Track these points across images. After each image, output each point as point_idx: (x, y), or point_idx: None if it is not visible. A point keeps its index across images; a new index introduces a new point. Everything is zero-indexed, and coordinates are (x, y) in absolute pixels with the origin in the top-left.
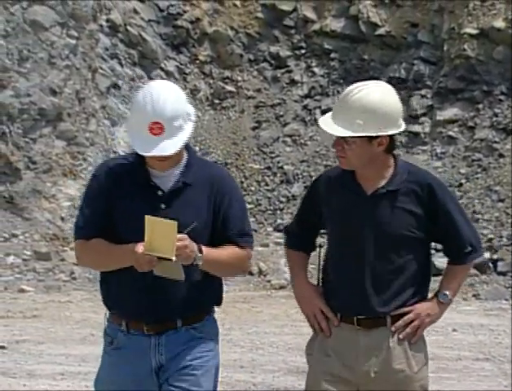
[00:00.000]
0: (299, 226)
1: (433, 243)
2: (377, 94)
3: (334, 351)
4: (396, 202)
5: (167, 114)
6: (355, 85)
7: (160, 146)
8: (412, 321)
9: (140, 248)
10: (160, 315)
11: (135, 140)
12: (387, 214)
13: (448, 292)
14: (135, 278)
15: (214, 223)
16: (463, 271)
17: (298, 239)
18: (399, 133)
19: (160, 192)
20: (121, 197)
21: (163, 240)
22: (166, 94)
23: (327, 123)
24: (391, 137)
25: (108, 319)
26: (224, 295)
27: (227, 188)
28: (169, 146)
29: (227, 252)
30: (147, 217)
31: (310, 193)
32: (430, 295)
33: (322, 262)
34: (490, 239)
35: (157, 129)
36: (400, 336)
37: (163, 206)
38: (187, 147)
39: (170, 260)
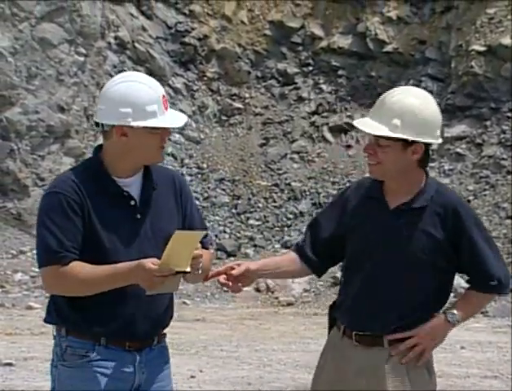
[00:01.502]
0: (313, 232)
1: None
2: (420, 98)
3: (333, 365)
4: (417, 222)
5: (162, 88)
6: (396, 87)
7: (176, 117)
8: (414, 345)
9: (151, 265)
10: (143, 332)
11: (156, 120)
12: (405, 233)
13: (458, 313)
14: (118, 295)
15: (182, 224)
16: (483, 299)
17: (308, 247)
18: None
19: (132, 202)
20: (95, 211)
21: (181, 253)
22: (145, 75)
23: (362, 122)
24: (426, 148)
25: (70, 334)
26: (232, 312)
27: (187, 188)
28: (180, 114)
29: (206, 255)
30: (178, 232)
31: (338, 197)
32: None
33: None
34: None
35: (166, 102)
36: (403, 361)
37: (138, 216)
38: None
39: (184, 272)
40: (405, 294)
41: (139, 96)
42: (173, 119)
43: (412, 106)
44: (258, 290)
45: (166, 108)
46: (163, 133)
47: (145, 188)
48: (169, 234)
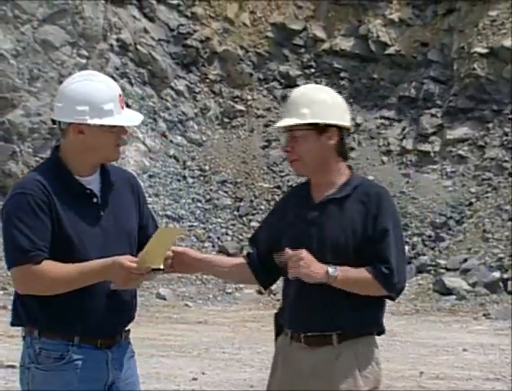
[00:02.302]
0: (254, 243)
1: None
2: (322, 88)
3: (284, 371)
4: (341, 211)
5: (119, 87)
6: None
7: (132, 116)
8: (297, 259)
9: (128, 262)
10: (113, 327)
11: (112, 118)
12: (331, 223)
13: (339, 271)
14: (87, 292)
15: (139, 221)
16: (367, 281)
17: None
18: (352, 132)
19: (95, 199)
20: (62, 210)
21: (158, 251)
22: (102, 74)
23: (276, 123)
24: (341, 134)
25: (43, 335)
26: (234, 314)
27: (142, 189)
28: (136, 113)
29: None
30: (162, 229)
31: (276, 205)
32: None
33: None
34: (500, 258)
35: (121, 101)
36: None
37: (102, 213)
38: None
39: (158, 270)
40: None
41: (96, 94)
42: (129, 118)
43: (317, 94)
44: (260, 292)
45: (123, 107)
46: (119, 131)
47: (104, 186)
48: (130, 230)
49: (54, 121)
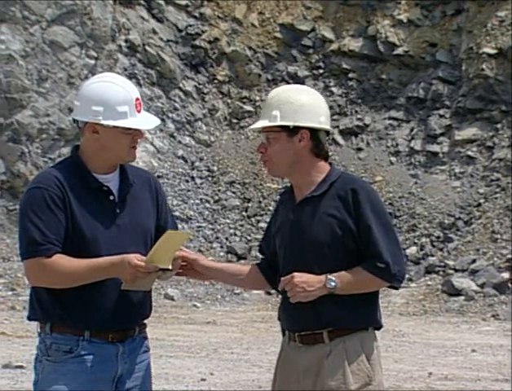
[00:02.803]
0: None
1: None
2: (296, 88)
3: (282, 370)
4: (318, 208)
5: (137, 91)
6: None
7: (147, 120)
8: (291, 284)
9: (137, 260)
10: (124, 322)
11: (126, 121)
12: (309, 221)
13: (336, 280)
14: (99, 288)
15: (156, 221)
16: (366, 279)
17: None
18: (331, 133)
19: (111, 197)
20: (77, 205)
21: (166, 251)
22: (122, 77)
23: (254, 125)
24: (315, 135)
25: (54, 331)
26: (242, 315)
27: (162, 190)
28: (153, 118)
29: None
30: (170, 231)
31: (271, 215)
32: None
33: None
34: (509, 259)
35: (139, 105)
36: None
37: (118, 210)
38: None
39: (166, 270)
40: None
41: (112, 96)
42: (143, 121)
43: (288, 96)
44: (268, 293)
45: (139, 111)
46: (135, 133)
47: (122, 185)
48: (146, 228)
49: (74, 120)
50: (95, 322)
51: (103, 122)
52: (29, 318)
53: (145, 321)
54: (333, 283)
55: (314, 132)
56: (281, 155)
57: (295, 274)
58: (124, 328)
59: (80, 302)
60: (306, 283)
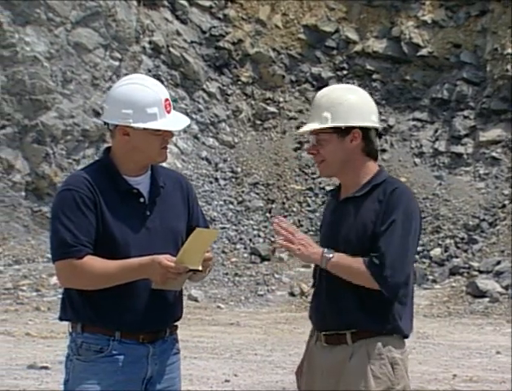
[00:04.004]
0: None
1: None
2: (344, 88)
3: (307, 371)
4: (359, 209)
5: (167, 92)
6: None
7: (177, 120)
8: (290, 241)
9: (167, 261)
10: (155, 324)
11: (156, 122)
12: (346, 222)
13: (335, 255)
14: (130, 289)
15: (188, 222)
16: (359, 270)
17: None
18: (382, 134)
19: (142, 199)
20: (107, 208)
21: (195, 252)
22: (151, 78)
23: (302, 128)
24: (366, 134)
25: (85, 331)
26: (266, 316)
27: (194, 192)
28: (183, 117)
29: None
30: (198, 230)
31: None
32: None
33: None
34: None
35: (169, 105)
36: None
37: (148, 213)
38: None
39: (197, 271)
40: (352, 284)
41: (141, 98)
42: (173, 122)
43: (338, 96)
44: (292, 294)
45: (169, 111)
46: (165, 134)
47: (153, 187)
48: (177, 230)
49: (105, 123)
50: (126, 323)
51: (133, 125)
52: (61, 319)
53: (176, 323)
54: (330, 255)
55: (365, 131)
56: (334, 155)
57: (298, 235)
58: (155, 330)
59: (111, 303)
60: (305, 244)
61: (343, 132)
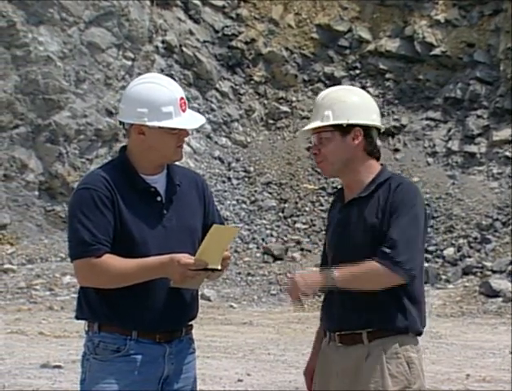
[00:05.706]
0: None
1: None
2: (345, 88)
3: (320, 371)
4: (365, 209)
5: (182, 91)
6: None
7: (192, 119)
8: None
9: (186, 259)
10: (172, 323)
11: (171, 121)
12: (353, 223)
13: (336, 272)
14: (147, 288)
15: (203, 221)
16: (368, 266)
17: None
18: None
19: (159, 197)
20: (125, 206)
21: (214, 250)
22: (166, 77)
23: (304, 128)
24: (368, 133)
25: (102, 330)
26: (279, 315)
27: (209, 191)
28: (198, 116)
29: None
30: (215, 226)
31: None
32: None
33: None
34: None
35: (184, 104)
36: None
37: (165, 211)
38: None
39: (216, 270)
40: None
41: (156, 97)
42: (188, 121)
43: (339, 95)
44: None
45: (184, 110)
46: (180, 133)
47: (170, 185)
48: (193, 229)
49: (121, 122)
50: (143, 323)
51: (148, 124)
52: (77, 318)
53: (191, 322)
54: (330, 275)
55: (367, 130)
56: (336, 154)
57: (294, 276)
58: (171, 329)
59: (128, 302)
60: (304, 279)
61: (345, 130)
